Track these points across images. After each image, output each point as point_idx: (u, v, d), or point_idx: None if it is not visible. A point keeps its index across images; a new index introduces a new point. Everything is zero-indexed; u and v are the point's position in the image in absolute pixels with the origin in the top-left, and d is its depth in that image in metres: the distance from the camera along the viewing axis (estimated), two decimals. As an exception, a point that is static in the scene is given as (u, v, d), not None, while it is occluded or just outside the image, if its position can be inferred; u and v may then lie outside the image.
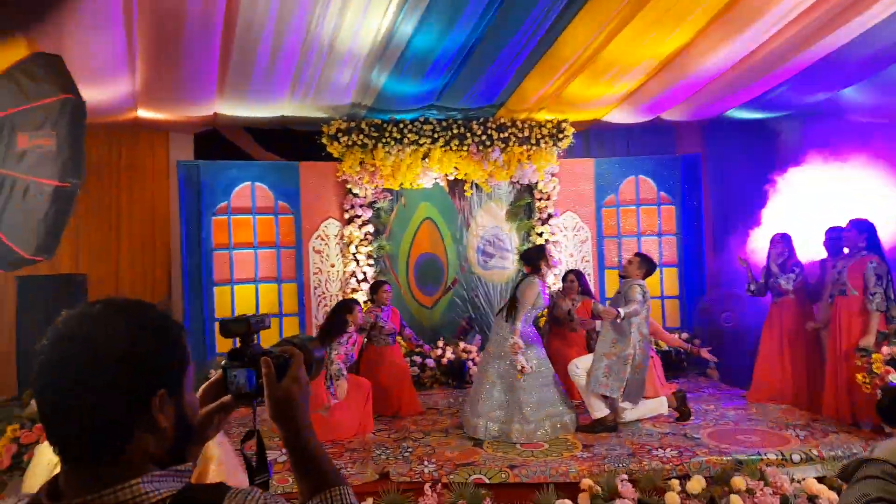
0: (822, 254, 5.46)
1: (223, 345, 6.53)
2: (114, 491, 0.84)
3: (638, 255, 5.10)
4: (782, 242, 5.52)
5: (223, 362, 1.12)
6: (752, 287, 5.68)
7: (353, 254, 6.84)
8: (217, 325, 5.52)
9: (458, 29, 4.55)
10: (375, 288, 5.92)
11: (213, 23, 4.34)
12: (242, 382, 1.08)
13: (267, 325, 1.14)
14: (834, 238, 5.17)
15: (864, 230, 4.84)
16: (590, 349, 5.45)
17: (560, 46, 4.92)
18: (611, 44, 4.81)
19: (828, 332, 5.12)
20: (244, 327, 1.10)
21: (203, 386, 1.10)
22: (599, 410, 4.82)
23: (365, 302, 6.27)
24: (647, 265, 4.97)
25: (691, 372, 6.83)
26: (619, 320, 4.72)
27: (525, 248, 7.19)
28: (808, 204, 6.09)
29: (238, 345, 1.11)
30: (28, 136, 3.28)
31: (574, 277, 5.98)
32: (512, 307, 4.84)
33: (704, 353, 5.49)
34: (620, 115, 7.11)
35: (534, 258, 5.03)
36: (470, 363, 6.57)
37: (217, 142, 7.08)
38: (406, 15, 4.36)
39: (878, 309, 4.64)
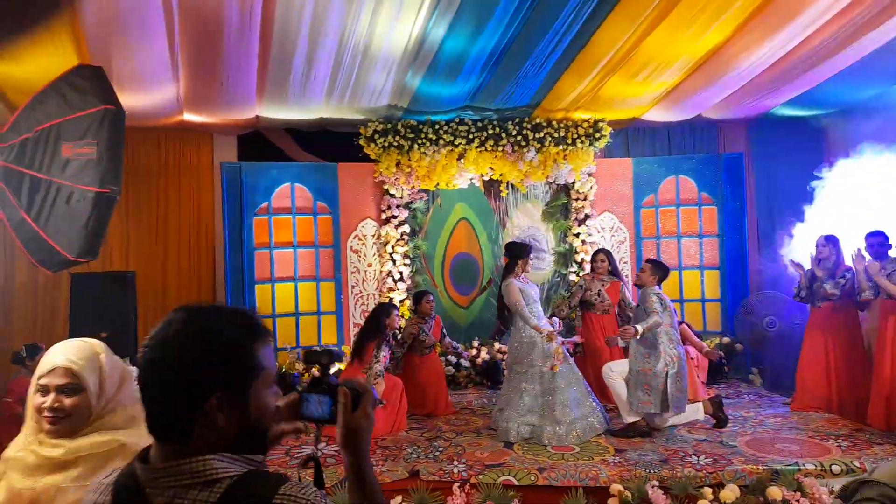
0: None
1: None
2: (189, 462, 1.01)
3: (649, 261, 5.00)
4: (829, 245, 5.29)
5: (300, 387, 1.22)
6: (803, 293, 5.44)
7: (390, 254, 6.92)
8: (302, 352, 5.68)
9: (489, 31, 4.56)
10: (419, 298, 5.93)
11: (251, 30, 4.47)
12: (318, 408, 1.19)
13: (341, 358, 1.29)
14: (877, 244, 4.95)
15: None
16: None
17: (594, 45, 4.87)
18: (645, 41, 4.74)
19: (875, 339, 4.94)
20: (327, 358, 1.24)
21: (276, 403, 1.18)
22: (632, 416, 4.77)
23: (412, 311, 6.23)
24: (660, 271, 4.87)
25: (733, 377, 6.68)
26: (638, 337, 4.66)
27: (562, 248, 7.16)
28: (858, 204, 5.86)
29: (318, 373, 1.24)
30: (72, 144, 3.46)
31: (604, 257, 5.82)
32: (503, 314, 5.01)
33: (712, 356, 5.38)
34: (660, 114, 6.99)
35: (515, 253, 5.02)
36: (504, 363, 6.57)
37: (259, 143, 7.26)
38: (437, 19, 4.40)
39: None
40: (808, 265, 5.43)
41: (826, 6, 4.13)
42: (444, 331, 6.06)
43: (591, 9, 4.27)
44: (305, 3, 4.23)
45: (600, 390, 5.20)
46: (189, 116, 6.58)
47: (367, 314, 6.88)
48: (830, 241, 5.30)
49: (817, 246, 5.35)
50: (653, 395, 4.64)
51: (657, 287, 4.85)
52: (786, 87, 5.88)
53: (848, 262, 5.19)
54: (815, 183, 6.28)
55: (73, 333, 5.95)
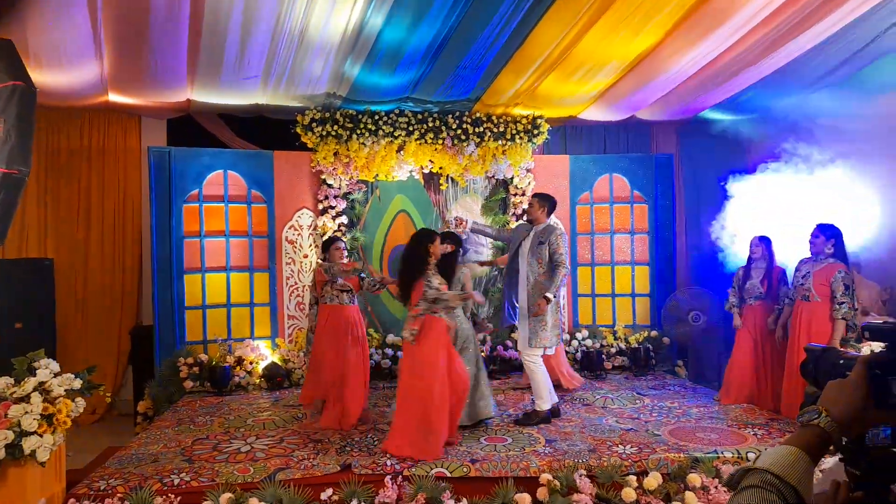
0: (788, 257, 5.51)
1: (193, 333, 6.50)
2: None
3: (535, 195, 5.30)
4: (762, 245, 5.46)
5: (875, 366, 1.04)
6: (734, 300, 5.55)
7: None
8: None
9: (428, 23, 4.55)
10: (327, 246, 5.35)
11: (180, 10, 4.30)
12: None
13: None
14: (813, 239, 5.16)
15: (831, 236, 4.86)
16: None
17: (530, 44, 4.94)
18: (580, 42, 4.84)
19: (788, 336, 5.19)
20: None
21: (849, 388, 1.05)
22: (545, 404, 4.94)
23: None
24: (548, 202, 5.10)
25: (659, 369, 6.93)
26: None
27: (500, 243, 7.23)
28: (777, 206, 6.15)
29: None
30: (-24, 122, 3.23)
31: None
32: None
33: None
34: (596, 113, 7.16)
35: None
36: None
37: (191, 128, 7.01)
38: (375, 8, 4.35)
39: (844, 318, 4.70)
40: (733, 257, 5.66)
41: (752, 13, 4.31)
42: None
43: (528, 7, 4.32)
44: (239, -17, 4.10)
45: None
46: (115, 97, 6.28)
47: (301, 305, 6.81)
48: (763, 241, 5.49)
49: (751, 246, 5.55)
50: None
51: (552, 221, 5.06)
52: (712, 92, 6.12)
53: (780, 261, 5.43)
54: (731, 186, 6.56)
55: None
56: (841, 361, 1.11)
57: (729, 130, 7.35)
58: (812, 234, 4.97)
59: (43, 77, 5.24)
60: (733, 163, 7.05)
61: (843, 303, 4.70)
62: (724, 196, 6.74)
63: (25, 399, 3.41)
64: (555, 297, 4.86)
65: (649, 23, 4.48)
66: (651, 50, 5.08)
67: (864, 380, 1.03)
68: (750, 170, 6.61)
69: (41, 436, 3.35)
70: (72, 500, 3.51)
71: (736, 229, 6.48)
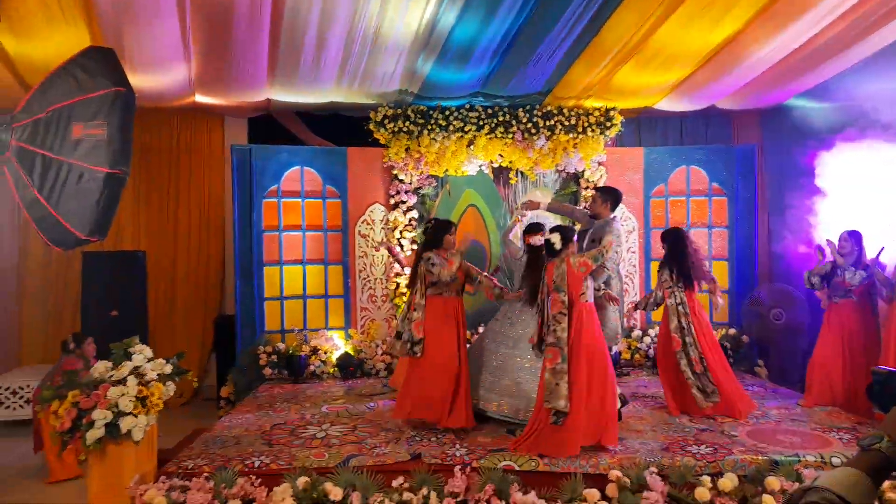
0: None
1: (272, 323, 6.79)
2: None
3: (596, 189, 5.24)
4: (850, 240, 5.19)
5: None
6: (815, 279, 5.33)
7: (398, 239, 6.95)
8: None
9: (500, 18, 4.55)
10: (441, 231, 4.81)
11: (262, 14, 4.49)
12: None
13: None
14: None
15: None
16: None
17: (605, 34, 4.85)
18: (657, 32, 4.71)
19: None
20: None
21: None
22: None
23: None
24: (611, 197, 5.00)
25: (738, 368, 6.67)
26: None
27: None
28: (873, 201, 5.80)
29: None
30: (83, 125, 3.52)
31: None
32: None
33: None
34: (672, 104, 6.95)
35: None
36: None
37: (270, 126, 7.31)
38: (447, 5, 4.40)
39: None
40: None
41: (837, 2, 4.08)
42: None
43: (603, -2, 4.25)
44: (316, -14, 4.24)
45: None
46: (200, 98, 6.62)
47: (373, 297, 6.99)
48: (853, 236, 5.21)
49: (840, 241, 5.27)
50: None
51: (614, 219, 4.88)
52: (799, 79, 5.83)
53: (870, 256, 5.13)
54: (819, 178, 6.22)
55: (84, 312, 6.08)
56: None
57: (818, 119, 6.97)
58: None
59: (135, 80, 5.54)
60: (822, 154, 6.69)
61: None
62: (812, 189, 6.41)
63: (122, 382, 3.68)
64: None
65: (730, 11, 4.31)
66: (732, 38, 4.88)
67: None
68: (841, 162, 6.25)
69: (136, 416, 3.61)
70: (162, 477, 3.76)
71: (825, 224, 6.15)
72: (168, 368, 3.87)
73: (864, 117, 6.52)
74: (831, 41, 4.82)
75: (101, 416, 3.53)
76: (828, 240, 5.41)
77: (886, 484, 3.65)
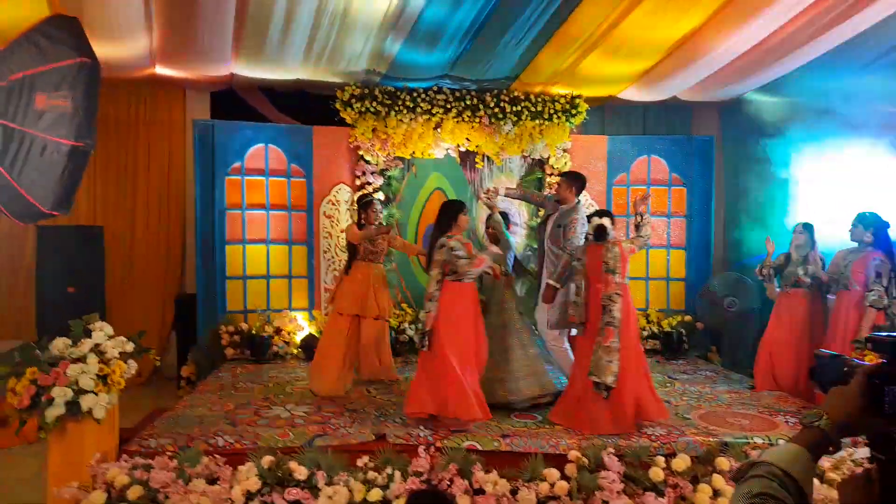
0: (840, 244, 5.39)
1: (234, 302, 6.70)
2: None
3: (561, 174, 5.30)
4: (805, 233, 5.37)
5: (874, 377, 1.09)
6: (766, 271, 5.55)
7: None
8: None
9: (470, 1, 4.55)
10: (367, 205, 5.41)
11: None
12: None
13: None
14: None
15: (869, 225, 4.82)
16: None
17: (572, 22, 4.91)
18: (623, 22, 4.79)
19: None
20: None
21: (848, 396, 1.12)
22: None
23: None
24: (577, 182, 5.04)
25: (692, 354, 6.91)
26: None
27: (534, 223, 7.25)
28: (828, 192, 6.04)
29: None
30: (46, 96, 3.40)
31: None
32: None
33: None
34: (636, 93, 7.07)
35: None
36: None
37: (233, 101, 7.14)
38: (420, -14, 4.37)
39: (872, 305, 4.67)
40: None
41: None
42: None
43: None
44: (287, -39, 4.16)
45: None
46: (161, 70, 6.43)
47: (337, 278, 6.96)
48: (807, 228, 5.40)
49: (794, 232, 5.48)
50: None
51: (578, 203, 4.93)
52: (759, 73, 6.00)
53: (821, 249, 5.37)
54: (774, 170, 6.45)
55: (39, 287, 5.90)
56: (846, 369, 1.19)
57: (774, 113, 7.19)
58: (852, 223, 4.93)
59: (95, 49, 5.37)
60: (777, 146, 6.92)
61: (872, 290, 4.69)
62: (767, 180, 6.64)
63: (82, 359, 3.61)
64: (560, 285, 4.71)
65: (694, 5, 4.41)
66: (695, 31, 5.00)
67: (862, 389, 1.11)
68: (795, 154, 6.48)
69: (97, 394, 3.55)
70: (125, 455, 3.72)
71: (779, 214, 6.40)
72: (130, 346, 3.81)
73: (818, 112, 6.77)
74: (789, 38, 4.98)
75: (60, 393, 3.46)
76: (767, 237, 5.65)
77: (827, 464, 3.88)
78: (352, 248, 5.43)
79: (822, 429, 1.11)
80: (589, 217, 4.59)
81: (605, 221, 4.43)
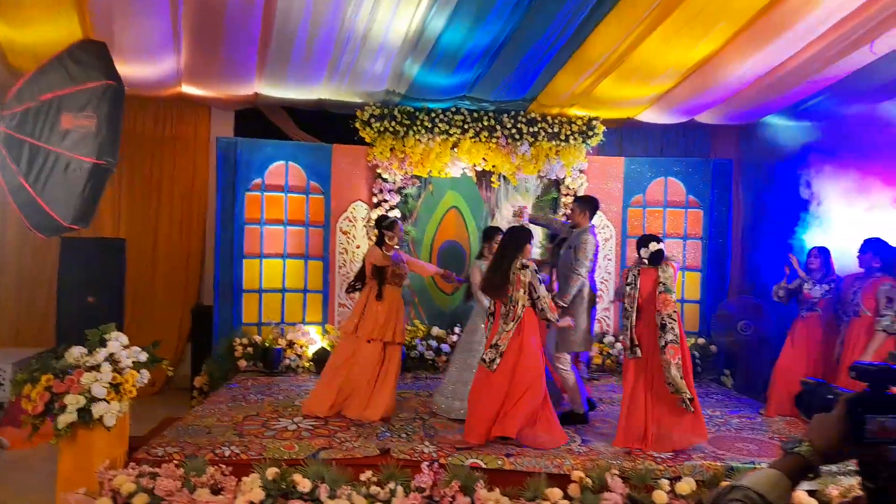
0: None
1: (249, 315, 6.82)
2: None
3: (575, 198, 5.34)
4: (820, 257, 5.35)
5: (855, 405, 1.11)
6: (781, 293, 5.53)
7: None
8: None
9: (487, 26, 4.65)
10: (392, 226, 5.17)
11: (253, 11, 4.54)
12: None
13: None
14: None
15: (878, 251, 4.79)
16: None
17: (589, 47, 4.97)
18: (639, 47, 4.84)
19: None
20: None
21: (830, 423, 1.15)
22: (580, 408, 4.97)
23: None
24: (589, 206, 5.09)
25: (705, 377, 6.83)
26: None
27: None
28: (845, 217, 5.99)
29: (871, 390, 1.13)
30: (72, 116, 3.57)
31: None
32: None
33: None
34: (654, 116, 7.09)
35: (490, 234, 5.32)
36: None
37: (257, 119, 7.33)
38: (436, 11, 4.49)
39: (885, 330, 4.61)
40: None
41: (814, 24, 4.23)
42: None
43: (588, 11, 4.36)
44: (308, -14, 4.31)
45: None
46: (187, 89, 6.64)
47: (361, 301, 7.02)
48: (822, 252, 5.38)
49: (808, 256, 5.44)
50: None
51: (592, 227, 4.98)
52: (776, 98, 5.98)
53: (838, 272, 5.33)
54: (802, 197, 6.40)
55: (61, 298, 6.07)
56: (830, 396, 1.20)
57: (793, 137, 7.15)
58: (859, 250, 4.91)
59: (123, 68, 5.55)
60: (796, 170, 6.87)
61: (884, 315, 4.67)
62: (786, 205, 6.58)
63: (96, 368, 3.72)
64: (567, 304, 4.79)
65: (710, 30, 4.45)
66: (712, 56, 5.02)
67: (844, 416, 1.12)
68: (814, 177, 6.42)
69: (109, 402, 3.65)
70: (132, 463, 3.81)
71: (798, 239, 6.33)
72: (143, 356, 3.92)
73: (836, 137, 6.73)
74: (805, 63, 4.97)
75: (73, 401, 3.57)
76: (790, 254, 5.60)
77: (835, 493, 3.81)
78: (380, 272, 5.06)
79: (803, 455, 1.12)
80: (641, 243, 4.69)
81: (662, 245, 4.62)
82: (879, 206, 5.75)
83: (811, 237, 6.21)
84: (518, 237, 4.58)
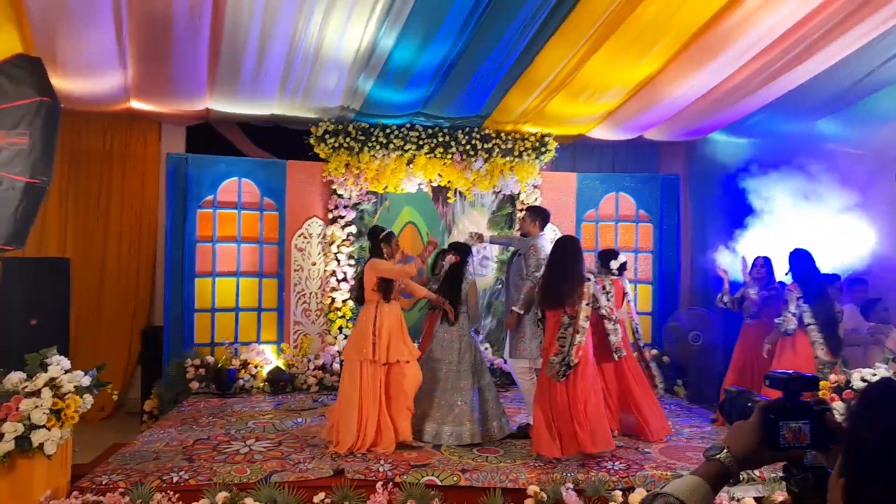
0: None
1: (202, 335, 6.67)
2: None
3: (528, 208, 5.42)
4: (765, 267, 5.57)
5: (770, 412, 1.15)
6: (725, 299, 5.73)
7: (335, 253, 6.98)
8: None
9: (437, 44, 4.71)
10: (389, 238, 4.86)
11: (201, 24, 4.50)
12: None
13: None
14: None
15: (791, 263, 5.11)
16: None
17: (537, 66, 5.08)
18: (585, 66, 4.98)
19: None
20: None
21: (747, 430, 1.17)
22: None
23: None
24: (539, 216, 5.12)
25: (658, 388, 6.95)
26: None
27: (504, 257, 7.34)
28: (785, 229, 6.22)
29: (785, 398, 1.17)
30: (4, 133, 3.45)
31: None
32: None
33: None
34: (604, 132, 7.27)
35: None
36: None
37: (209, 135, 7.22)
38: (386, 29, 4.52)
39: (777, 329, 5.04)
40: (734, 275, 5.79)
41: (748, 45, 4.43)
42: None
43: (534, 31, 4.46)
44: (256, 1, 4.29)
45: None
46: (137, 104, 6.51)
47: (307, 311, 6.96)
48: (767, 262, 5.60)
49: (754, 265, 5.64)
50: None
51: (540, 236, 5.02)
52: (718, 116, 6.21)
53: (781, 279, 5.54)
54: (744, 210, 6.64)
55: (3, 320, 5.83)
56: (749, 404, 1.23)
57: (737, 153, 7.42)
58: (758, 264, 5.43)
59: (69, 84, 5.47)
60: (741, 184, 7.12)
61: (782, 316, 5.03)
62: (731, 217, 6.81)
63: (36, 394, 3.58)
64: (524, 311, 4.84)
65: (650, 51, 4.61)
66: (655, 75, 5.20)
67: (759, 423, 1.16)
68: (757, 191, 6.66)
69: (49, 430, 3.51)
70: (75, 492, 3.67)
71: (742, 250, 6.54)
72: (86, 380, 3.78)
73: (777, 152, 7.02)
74: (743, 83, 5.19)
75: (11, 428, 3.42)
76: (721, 268, 5.96)
77: (780, 498, 3.92)
78: (386, 285, 4.74)
79: (722, 461, 1.15)
80: (610, 256, 5.22)
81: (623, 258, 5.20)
82: (820, 216, 6.01)
83: (755, 247, 6.42)
84: (574, 247, 4.57)
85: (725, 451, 1.16)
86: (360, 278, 4.89)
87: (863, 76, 4.78)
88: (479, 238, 5.56)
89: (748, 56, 4.65)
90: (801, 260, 5.06)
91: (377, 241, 4.85)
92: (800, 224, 6.11)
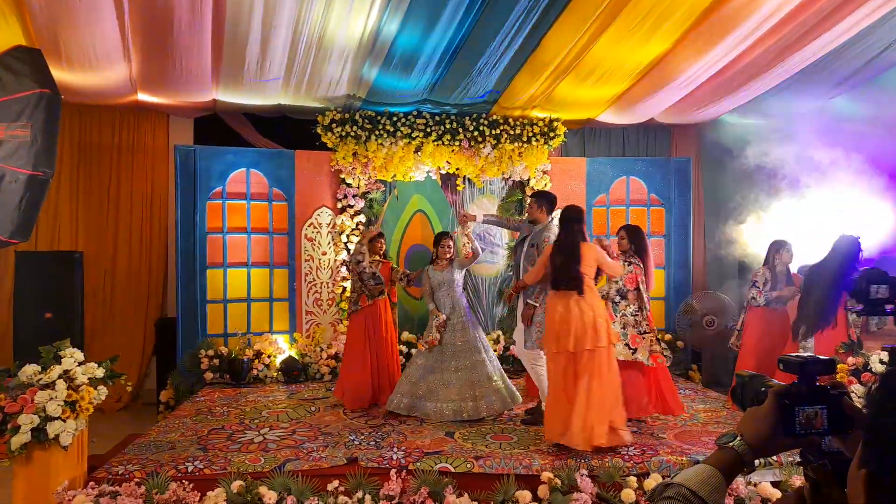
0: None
1: (215, 326, 6.70)
2: None
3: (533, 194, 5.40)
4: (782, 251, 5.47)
5: (784, 397, 1.11)
6: (761, 299, 5.43)
7: (345, 243, 6.97)
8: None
9: (440, 30, 4.66)
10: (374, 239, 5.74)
11: (203, 15, 4.47)
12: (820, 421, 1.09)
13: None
14: None
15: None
16: None
17: (543, 49, 5.01)
18: (593, 47, 4.90)
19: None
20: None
21: (761, 416, 1.13)
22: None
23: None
24: (546, 201, 5.03)
25: (673, 372, 6.91)
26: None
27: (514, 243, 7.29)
28: (803, 210, 6.13)
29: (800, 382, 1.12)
30: (5, 126, 3.45)
31: (624, 234, 5.29)
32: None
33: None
34: (614, 116, 7.18)
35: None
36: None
37: (217, 127, 7.22)
38: (389, 15, 4.47)
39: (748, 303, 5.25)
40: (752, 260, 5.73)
41: (758, 22, 4.33)
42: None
43: (538, 13, 4.39)
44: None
45: None
46: (143, 97, 6.51)
47: (319, 300, 6.97)
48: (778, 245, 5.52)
49: (769, 250, 5.56)
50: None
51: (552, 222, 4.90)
52: (729, 96, 6.10)
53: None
54: (750, 190, 6.54)
55: (18, 314, 5.88)
56: (762, 389, 1.17)
57: (748, 134, 7.31)
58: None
59: (75, 78, 5.48)
60: (754, 166, 7.01)
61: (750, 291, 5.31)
62: (744, 201, 6.71)
63: (51, 386, 3.61)
64: (538, 304, 4.76)
65: (658, 30, 4.52)
66: (662, 56, 5.11)
67: (773, 409, 1.10)
68: (770, 173, 6.57)
69: (65, 421, 3.54)
70: (92, 483, 3.70)
71: (756, 233, 6.47)
72: (100, 372, 3.81)
73: (790, 132, 6.90)
74: (753, 62, 5.09)
75: (27, 420, 3.46)
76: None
77: (798, 483, 3.88)
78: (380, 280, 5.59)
79: (735, 450, 1.10)
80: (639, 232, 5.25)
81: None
82: (836, 197, 5.91)
83: (769, 231, 6.34)
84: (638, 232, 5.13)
85: (738, 438, 1.11)
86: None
87: (879, 52, 4.66)
88: (467, 218, 5.30)
89: (759, 33, 4.55)
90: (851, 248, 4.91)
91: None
92: (816, 205, 6.02)
